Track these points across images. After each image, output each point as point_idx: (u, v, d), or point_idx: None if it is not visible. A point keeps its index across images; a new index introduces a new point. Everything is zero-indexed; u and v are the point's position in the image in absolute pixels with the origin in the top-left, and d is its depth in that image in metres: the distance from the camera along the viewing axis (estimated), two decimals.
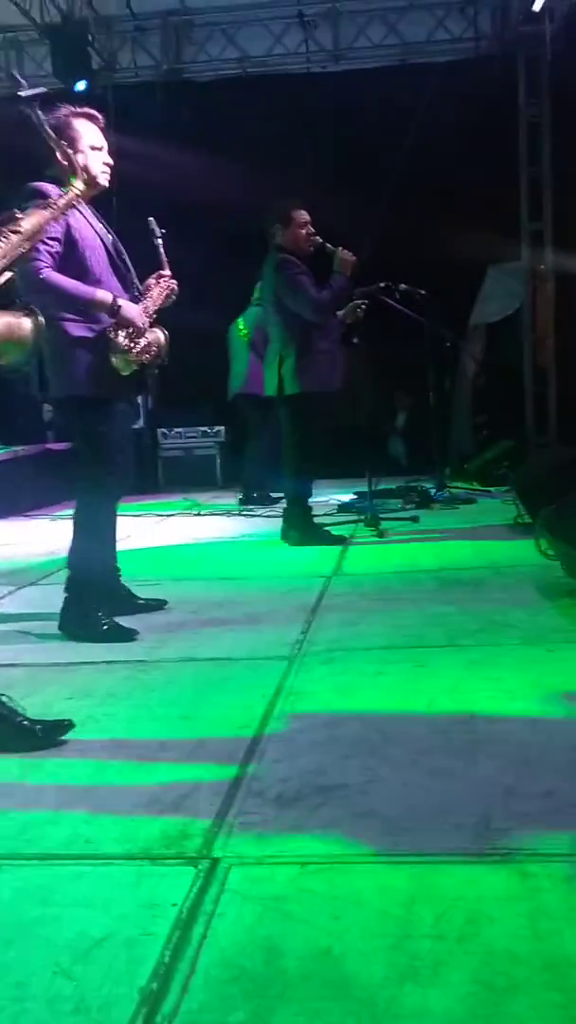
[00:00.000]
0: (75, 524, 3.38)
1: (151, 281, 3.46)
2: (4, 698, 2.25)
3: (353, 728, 2.25)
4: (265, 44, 8.78)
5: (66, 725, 2.24)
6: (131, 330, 3.25)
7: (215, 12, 8.63)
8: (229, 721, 2.34)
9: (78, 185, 2.67)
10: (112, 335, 3.22)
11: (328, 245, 4.94)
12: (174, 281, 3.50)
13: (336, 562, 4.57)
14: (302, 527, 5.13)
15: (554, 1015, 1.19)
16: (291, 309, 4.92)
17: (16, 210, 2.26)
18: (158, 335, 3.37)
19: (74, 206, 3.17)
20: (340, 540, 5.11)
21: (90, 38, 8.23)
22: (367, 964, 1.31)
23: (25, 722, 2.22)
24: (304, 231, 4.95)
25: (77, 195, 2.69)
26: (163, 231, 3.53)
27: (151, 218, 3.52)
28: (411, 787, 1.91)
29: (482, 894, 1.48)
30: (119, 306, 3.22)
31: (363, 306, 5.35)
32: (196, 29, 8.85)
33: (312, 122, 8.31)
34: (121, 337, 3.23)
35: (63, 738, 2.22)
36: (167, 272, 3.51)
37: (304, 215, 4.98)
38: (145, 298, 3.39)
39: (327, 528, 5.30)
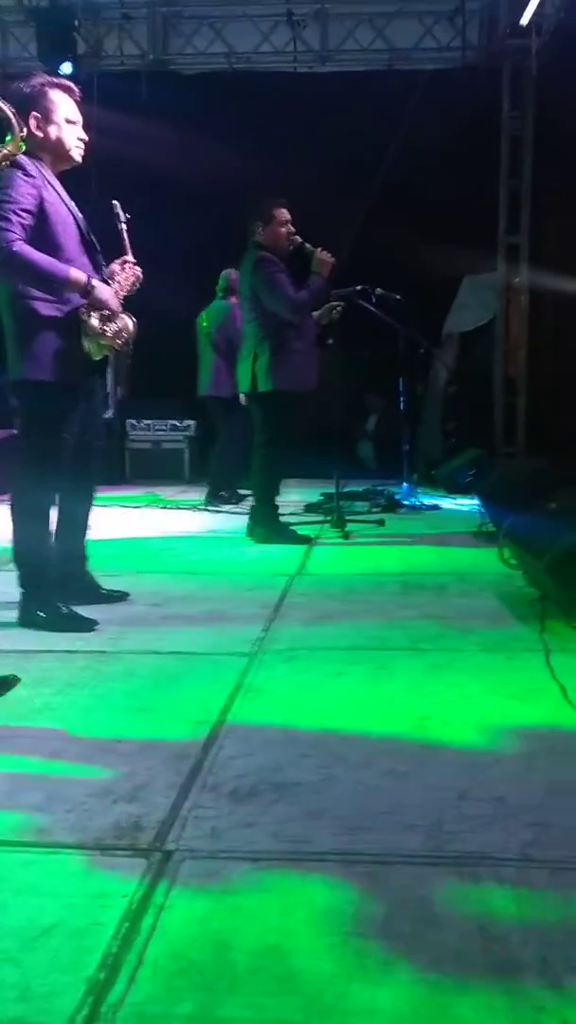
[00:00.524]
0: (13, 515, 3.26)
1: (115, 267, 3.38)
2: None
3: (311, 727, 2.25)
4: (253, 41, 8.77)
5: (10, 681, 2.21)
6: (104, 312, 3.18)
7: (203, 6, 8.62)
8: (187, 715, 2.33)
9: (9, 147, 2.47)
10: (85, 316, 3.14)
11: (307, 245, 4.95)
12: (138, 268, 3.42)
13: (301, 562, 4.58)
14: (268, 525, 5.13)
15: (501, 1019, 1.20)
16: (267, 307, 4.92)
17: None
18: (127, 321, 3.28)
19: (22, 169, 3.06)
20: (305, 540, 5.11)
21: (76, 23, 8.15)
22: (316, 960, 1.32)
23: None
24: (284, 230, 4.96)
25: (4, 155, 2.49)
26: (128, 216, 3.43)
27: (115, 201, 3.42)
28: (365, 787, 1.92)
29: (433, 895, 1.49)
30: (93, 286, 3.14)
31: (339, 308, 5.37)
32: (183, 21, 8.82)
33: (296, 121, 8.31)
34: (94, 319, 3.15)
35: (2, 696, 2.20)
36: (131, 258, 3.43)
37: (285, 213, 4.99)
38: (112, 283, 3.32)
39: (293, 527, 5.30)
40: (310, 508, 6.41)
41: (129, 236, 3.45)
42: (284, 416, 5.05)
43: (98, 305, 3.16)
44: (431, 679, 2.63)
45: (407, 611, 3.48)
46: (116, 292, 3.30)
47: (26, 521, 3.25)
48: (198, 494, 7.32)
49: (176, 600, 3.70)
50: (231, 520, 6.05)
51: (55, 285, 3.09)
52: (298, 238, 4.95)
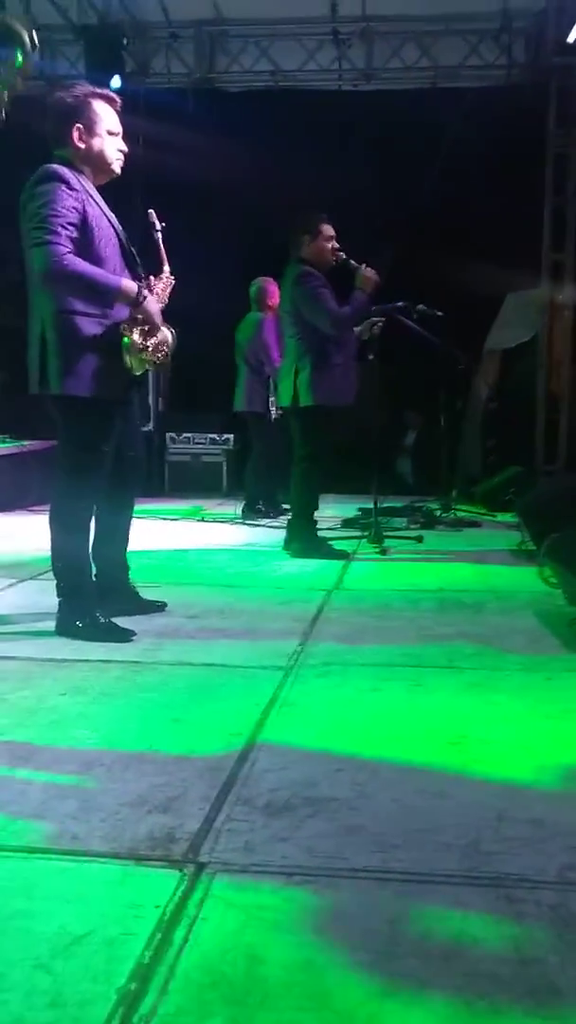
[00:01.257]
0: (53, 525, 3.27)
1: (152, 279, 3.33)
2: None
3: (346, 743, 2.24)
4: (298, 59, 8.82)
5: None
6: (146, 327, 3.18)
7: (250, 24, 8.68)
8: (221, 727, 2.33)
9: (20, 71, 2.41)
10: (127, 332, 3.13)
11: (352, 262, 4.95)
12: (172, 278, 3.38)
13: (338, 577, 4.56)
14: (306, 539, 5.13)
15: None
16: (309, 321, 4.93)
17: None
18: (167, 335, 3.27)
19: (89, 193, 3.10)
20: (343, 555, 5.10)
21: (124, 41, 8.27)
22: (349, 978, 1.30)
23: None
24: (330, 245, 4.97)
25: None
26: (163, 224, 3.37)
27: (151, 210, 3.35)
28: (400, 805, 1.90)
29: (468, 916, 1.47)
30: (144, 297, 3.12)
31: (379, 323, 5.37)
32: (230, 40, 8.90)
33: (339, 139, 8.35)
34: (136, 335, 3.15)
35: None
36: (167, 269, 3.39)
37: (331, 229, 5.01)
38: (152, 295, 3.30)
39: (330, 542, 5.29)
40: (347, 523, 6.39)
41: (165, 246, 3.39)
42: (323, 431, 5.06)
43: (145, 317, 3.16)
44: (468, 698, 2.60)
45: (444, 628, 3.45)
46: (159, 302, 3.31)
47: (66, 532, 3.27)
48: (235, 508, 7.34)
49: (212, 612, 3.70)
50: (268, 534, 6.05)
51: (107, 296, 3.08)
52: (343, 254, 4.96)
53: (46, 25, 8.46)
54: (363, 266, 4.94)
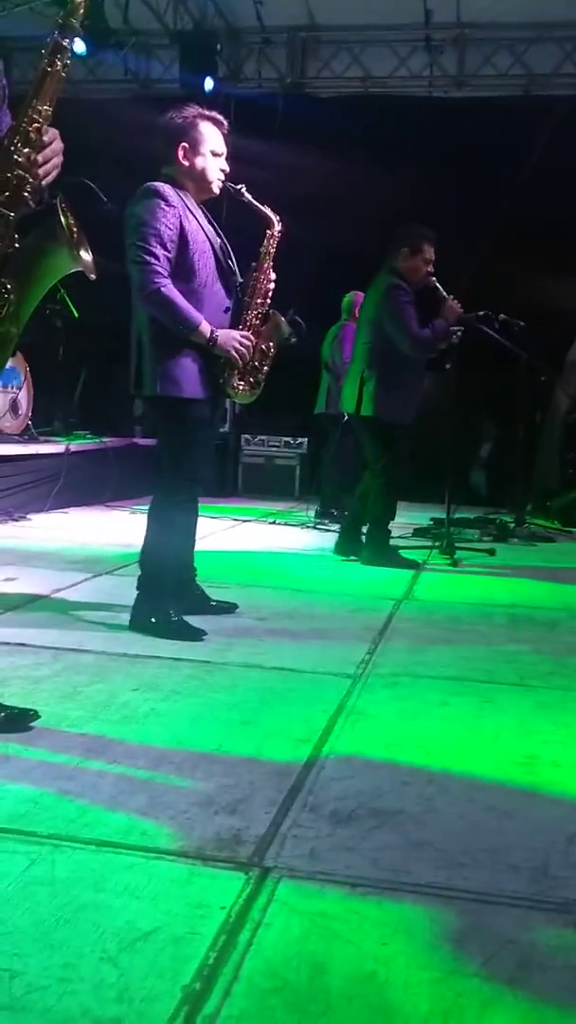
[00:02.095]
0: (150, 521, 3.41)
1: (248, 300, 3.43)
2: None
3: (413, 755, 2.23)
4: (389, 65, 8.82)
5: (31, 715, 2.26)
6: (239, 368, 3.32)
7: (343, 30, 8.71)
8: (289, 732, 2.34)
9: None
10: (224, 381, 3.30)
11: (441, 290, 4.95)
12: (273, 275, 3.47)
13: (408, 586, 4.54)
14: (378, 548, 5.11)
15: None
16: (389, 334, 4.93)
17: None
18: (273, 323, 3.42)
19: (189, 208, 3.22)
20: (414, 564, 5.07)
21: (218, 47, 8.37)
22: (413, 995, 1.30)
23: None
24: (426, 268, 4.96)
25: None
26: (280, 228, 3.49)
27: (277, 217, 3.49)
28: (468, 822, 1.88)
29: (535, 941, 1.45)
30: (215, 340, 3.22)
31: (458, 332, 5.33)
32: (322, 46, 8.94)
33: (429, 146, 8.31)
34: (233, 379, 3.33)
35: (30, 725, 2.23)
36: (270, 267, 3.48)
37: (431, 252, 5.00)
38: (249, 310, 3.40)
39: (401, 551, 5.27)
40: (419, 532, 6.36)
41: (274, 252, 3.49)
42: (390, 444, 5.06)
43: (225, 356, 3.26)
44: (539, 717, 2.56)
45: (515, 645, 3.40)
46: (247, 322, 3.38)
47: (160, 527, 3.37)
48: (307, 511, 7.36)
49: (281, 615, 3.72)
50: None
51: (183, 331, 3.19)
52: (435, 279, 4.95)
53: (143, 30, 8.63)
54: (451, 297, 4.94)
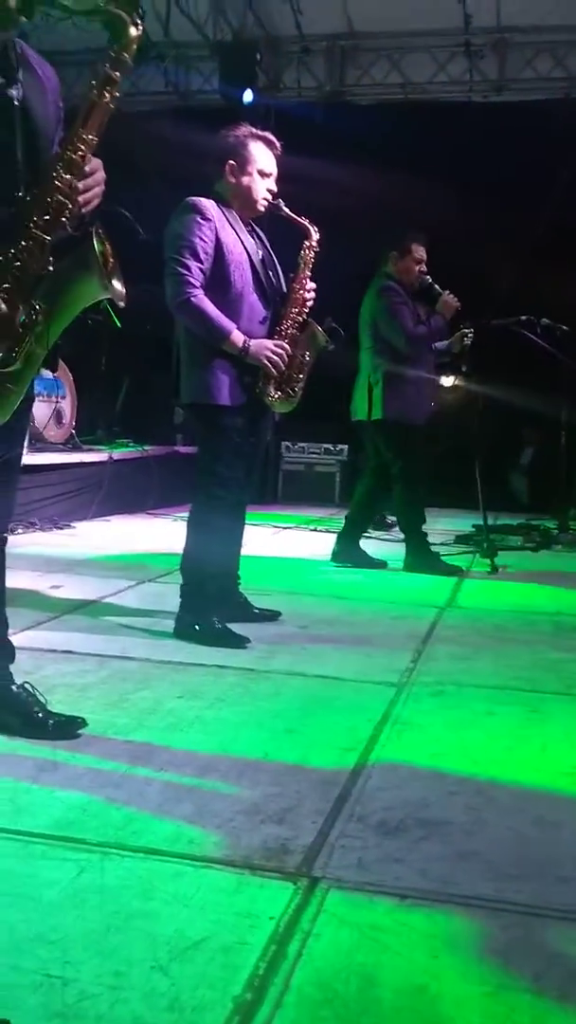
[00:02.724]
0: (188, 528, 3.43)
1: (292, 285, 3.46)
2: (28, 686, 2.30)
3: (460, 765, 2.21)
4: (429, 71, 8.80)
5: (79, 722, 2.28)
6: (274, 376, 3.32)
7: (382, 37, 8.70)
8: (334, 741, 2.34)
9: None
10: (262, 390, 3.31)
11: (436, 287, 4.94)
12: (312, 285, 3.49)
13: (451, 594, 4.51)
14: (419, 554, 5.09)
15: None
16: (384, 335, 4.94)
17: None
18: (310, 332, 3.44)
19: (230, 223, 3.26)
20: (456, 570, 5.04)
21: (258, 57, 8.41)
22: (463, 1009, 1.29)
23: (39, 714, 2.27)
24: (418, 268, 4.97)
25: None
26: (317, 238, 3.51)
27: (313, 227, 3.51)
28: (516, 834, 1.86)
29: None
30: (247, 349, 3.25)
31: (469, 335, 5.31)
32: (362, 53, 8.94)
33: (469, 151, 8.28)
34: (270, 388, 3.33)
35: (77, 733, 2.26)
36: (307, 277, 3.49)
37: (422, 251, 5.00)
38: (284, 319, 3.41)
39: (442, 557, 5.24)
40: (461, 539, 6.32)
41: (313, 261, 3.52)
42: (408, 446, 5.04)
43: (255, 363, 3.27)
44: None
45: (561, 653, 3.37)
46: (282, 332, 3.39)
47: (200, 534, 3.39)
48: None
49: (323, 623, 3.72)
50: (378, 546, 6.02)
51: (215, 340, 3.23)
52: (428, 278, 4.95)
53: (183, 42, 8.70)
54: (446, 292, 4.93)
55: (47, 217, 1.93)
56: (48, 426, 6.69)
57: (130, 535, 6.15)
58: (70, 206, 1.95)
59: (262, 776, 2.09)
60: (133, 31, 1.97)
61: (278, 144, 3.40)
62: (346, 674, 2.96)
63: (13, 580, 2.35)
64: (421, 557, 5.09)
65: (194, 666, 2.97)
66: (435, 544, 5.38)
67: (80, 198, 1.97)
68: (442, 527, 6.70)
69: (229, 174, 3.33)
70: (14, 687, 2.29)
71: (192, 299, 3.19)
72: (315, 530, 6.94)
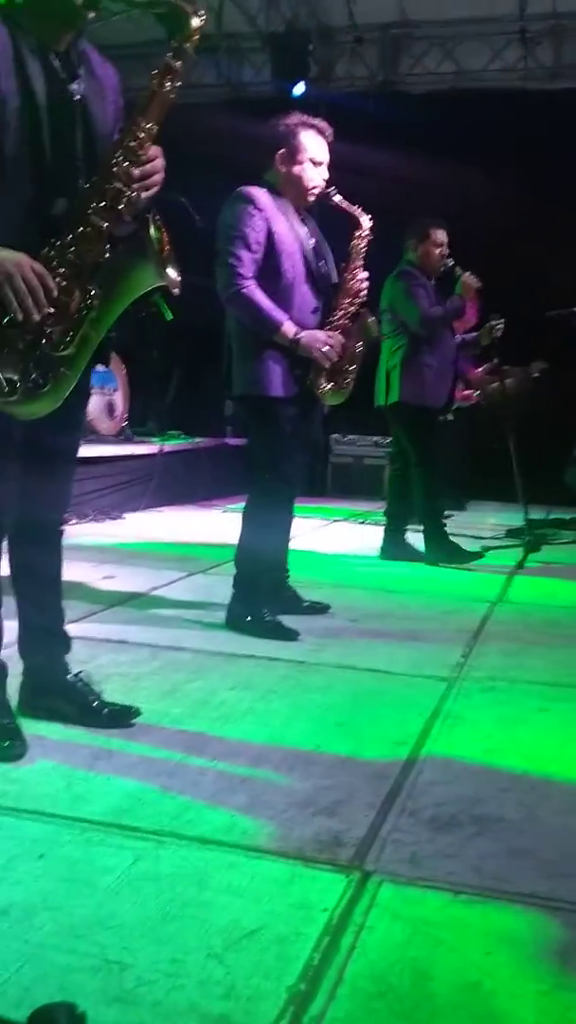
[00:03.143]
0: (244, 521, 3.44)
1: (344, 276, 3.45)
2: (83, 675, 2.34)
3: (513, 761, 2.20)
4: (482, 59, 8.69)
5: (133, 712, 2.31)
6: (324, 368, 3.30)
7: (435, 25, 8.61)
8: (385, 735, 2.34)
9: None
10: (312, 382, 3.30)
11: (457, 268, 4.88)
12: (365, 275, 3.47)
13: (502, 588, 4.47)
14: (438, 544, 5.06)
15: None
16: (400, 316, 4.91)
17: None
18: (362, 322, 3.43)
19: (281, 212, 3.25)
20: (476, 556, 5.04)
21: (310, 47, 8.37)
22: (519, 1006, 1.28)
23: (95, 703, 2.30)
24: (439, 251, 4.91)
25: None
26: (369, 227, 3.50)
27: (366, 218, 3.50)
28: (571, 832, 1.85)
29: None
30: (298, 340, 3.23)
31: (498, 327, 5.24)
32: (415, 42, 8.86)
33: (524, 139, 8.16)
34: (320, 380, 3.31)
35: (131, 722, 2.29)
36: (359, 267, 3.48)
37: (442, 235, 4.95)
38: (336, 310, 3.40)
39: (460, 545, 5.17)
40: (511, 533, 6.25)
41: (365, 250, 3.50)
42: (423, 431, 5.01)
43: (309, 356, 3.26)
44: None
45: None
46: (333, 323, 3.38)
47: (254, 526, 3.40)
48: None
49: (373, 616, 3.71)
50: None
51: (266, 332, 3.22)
52: (451, 261, 4.89)
53: (235, 33, 8.70)
54: (467, 273, 4.87)
55: (104, 204, 1.95)
56: (100, 418, 6.76)
57: (181, 526, 6.20)
58: (128, 193, 1.96)
59: (314, 768, 2.10)
60: (196, 21, 1.98)
61: (330, 132, 3.36)
62: (396, 668, 2.96)
63: (67, 571, 2.38)
64: (440, 547, 5.05)
65: (245, 657, 2.99)
66: (486, 538, 5.33)
67: (136, 185, 1.98)
68: (493, 521, 6.66)
69: (280, 163, 3.30)
70: (70, 676, 2.33)
71: (243, 290, 3.17)
72: (364, 523, 6.92)
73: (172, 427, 7.96)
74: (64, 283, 1.93)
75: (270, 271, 3.24)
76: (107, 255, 1.98)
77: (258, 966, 1.34)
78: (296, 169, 3.30)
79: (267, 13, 8.48)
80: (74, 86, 2.01)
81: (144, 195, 2.01)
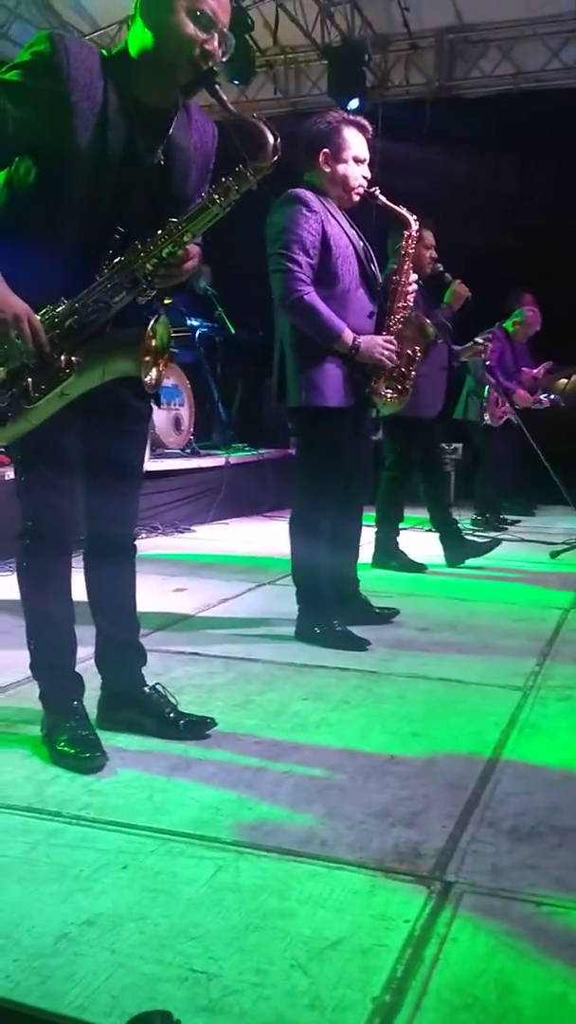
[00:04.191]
0: (291, 536, 3.41)
1: (395, 278, 3.44)
2: (159, 687, 2.36)
3: None
4: (540, 59, 8.60)
5: (209, 723, 2.33)
6: (383, 374, 3.29)
7: (492, 28, 8.56)
8: (460, 744, 2.32)
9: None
10: (373, 390, 3.28)
11: (447, 275, 4.79)
12: (415, 277, 3.46)
13: (575, 595, 4.40)
14: (385, 548, 5.04)
15: None
16: None
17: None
18: (417, 325, 3.43)
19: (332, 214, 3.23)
20: (420, 568, 4.97)
21: (367, 58, 8.39)
22: None
23: (171, 715, 2.32)
24: (428, 253, 4.82)
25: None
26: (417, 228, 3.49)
27: (408, 213, 3.48)
28: None
29: None
30: (357, 347, 3.18)
31: (483, 345, 5.21)
32: (471, 46, 8.82)
33: None
34: (382, 388, 3.30)
35: (207, 733, 2.32)
36: (410, 269, 3.47)
37: (430, 237, 4.84)
38: (391, 314, 3.38)
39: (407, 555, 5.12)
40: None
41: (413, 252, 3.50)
42: (406, 440, 4.95)
43: (370, 363, 3.24)
44: None
45: None
46: (390, 328, 3.36)
47: (304, 540, 3.38)
48: (464, 519, 7.24)
49: (444, 626, 3.69)
50: (496, 548, 5.92)
51: (326, 340, 3.17)
52: (439, 265, 4.80)
53: (291, 46, 8.77)
54: (457, 281, 4.76)
55: (118, 283, 1.98)
56: (168, 432, 6.85)
57: (248, 538, 6.24)
58: (143, 278, 1.99)
59: (390, 779, 2.10)
60: (271, 139, 2.04)
61: (370, 128, 3.29)
62: (469, 677, 2.93)
63: (139, 584, 2.43)
64: (388, 552, 5.02)
65: (317, 668, 3.00)
66: (553, 542, 5.24)
67: (161, 270, 2.00)
68: (565, 526, 6.56)
69: (323, 162, 3.22)
70: (147, 688, 2.37)
71: (305, 297, 3.10)
72: (429, 531, 6.86)
73: (237, 439, 8.03)
74: (56, 343, 1.96)
75: (326, 276, 3.17)
76: (105, 332, 2.01)
77: (342, 977, 1.35)
78: (341, 168, 3.23)
79: (322, 25, 8.52)
80: (158, 150, 2.04)
81: (160, 284, 2.03)
